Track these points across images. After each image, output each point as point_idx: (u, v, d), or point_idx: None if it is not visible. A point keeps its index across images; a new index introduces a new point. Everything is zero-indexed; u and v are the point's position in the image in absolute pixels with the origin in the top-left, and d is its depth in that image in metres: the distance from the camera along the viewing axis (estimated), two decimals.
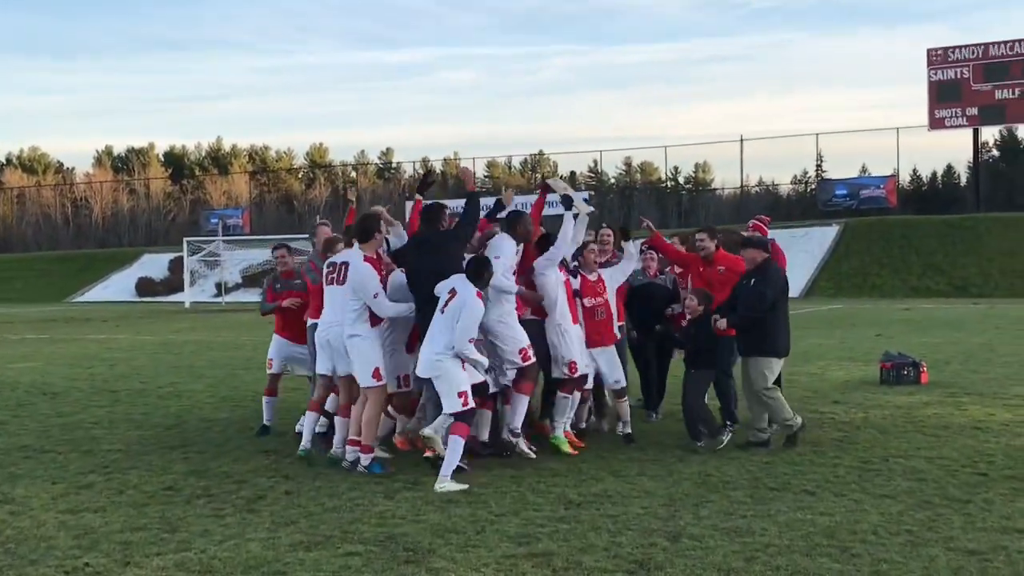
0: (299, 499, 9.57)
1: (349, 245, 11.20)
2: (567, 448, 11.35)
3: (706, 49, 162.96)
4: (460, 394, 10.14)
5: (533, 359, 10.96)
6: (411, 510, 9.06)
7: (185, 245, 61.20)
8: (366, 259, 10.69)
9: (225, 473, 10.76)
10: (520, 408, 11.10)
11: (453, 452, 10.02)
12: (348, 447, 10.83)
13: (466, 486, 9.75)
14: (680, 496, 9.42)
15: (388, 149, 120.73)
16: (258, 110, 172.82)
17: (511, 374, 11.02)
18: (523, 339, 10.92)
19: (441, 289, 10.44)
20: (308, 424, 11.68)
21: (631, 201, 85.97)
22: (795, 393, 16.00)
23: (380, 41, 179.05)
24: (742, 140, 72.75)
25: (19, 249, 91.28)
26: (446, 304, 10.30)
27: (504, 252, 11.02)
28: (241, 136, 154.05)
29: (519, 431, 11.07)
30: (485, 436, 11.27)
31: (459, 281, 10.36)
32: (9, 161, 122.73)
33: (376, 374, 10.59)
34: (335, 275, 10.98)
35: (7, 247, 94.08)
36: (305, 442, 11.55)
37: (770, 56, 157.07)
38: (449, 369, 10.19)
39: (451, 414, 10.17)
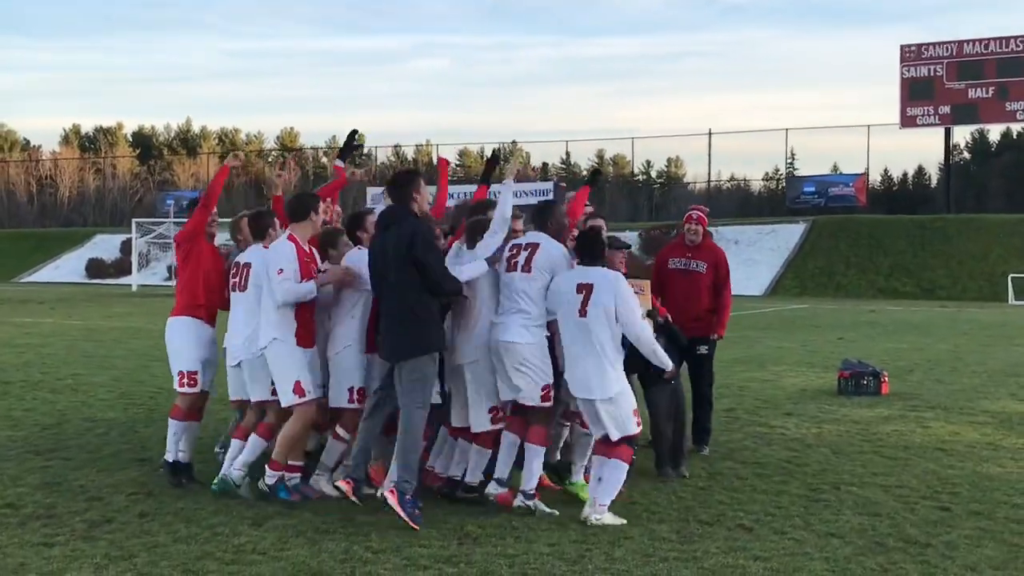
0: (151, 523, 8.21)
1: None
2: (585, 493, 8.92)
3: (679, 44, 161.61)
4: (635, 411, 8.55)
5: (501, 426, 8.93)
6: (276, 542, 7.69)
7: (134, 226, 59.36)
8: (289, 238, 8.90)
9: (81, 488, 9.37)
10: (536, 464, 8.78)
11: (616, 479, 8.45)
12: (269, 470, 9.00)
13: (623, 521, 8.32)
14: (596, 531, 8.09)
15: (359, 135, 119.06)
16: (229, 93, 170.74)
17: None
18: (549, 372, 8.80)
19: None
20: (231, 452, 9.34)
21: (602, 194, 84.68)
22: (745, 403, 14.72)
23: (353, 27, 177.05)
24: (710, 134, 71.36)
25: None
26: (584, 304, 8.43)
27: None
28: (211, 118, 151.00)
29: (532, 492, 8.72)
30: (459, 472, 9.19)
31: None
32: None
33: (298, 388, 8.75)
34: (237, 279, 9.31)
35: None
36: (224, 470, 9.26)
37: (742, 52, 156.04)
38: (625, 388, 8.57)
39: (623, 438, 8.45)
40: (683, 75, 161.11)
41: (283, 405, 8.87)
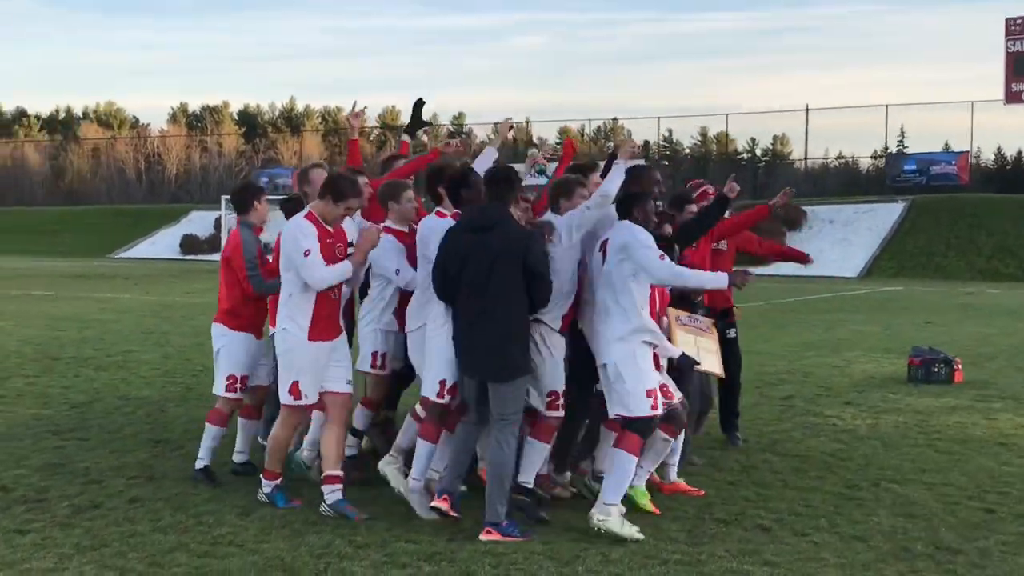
0: (138, 510, 7.91)
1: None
2: (647, 503, 8.19)
3: (783, 19, 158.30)
4: (649, 393, 7.65)
5: (561, 412, 7.98)
6: (257, 534, 7.32)
7: (223, 203, 59.75)
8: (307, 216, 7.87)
9: (84, 470, 9.10)
10: (536, 459, 8.00)
11: (621, 472, 7.52)
12: (264, 479, 8.17)
13: (638, 536, 7.33)
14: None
15: (460, 113, 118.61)
16: (331, 72, 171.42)
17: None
18: (557, 377, 7.93)
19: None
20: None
21: (705, 172, 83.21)
22: (805, 390, 14.02)
23: (455, 6, 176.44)
24: (807, 110, 69.68)
25: (92, 202, 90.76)
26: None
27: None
28: (314, 97, 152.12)
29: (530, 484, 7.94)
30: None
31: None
32: (86, 115, 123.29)
33: (293, 390, 7.87)
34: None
35: (81, 199, 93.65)
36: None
37: (843, 27, 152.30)
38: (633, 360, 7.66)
39: (630, 418, 7.59)
40: (783, 51, 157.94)
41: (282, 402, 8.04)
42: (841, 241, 51.42)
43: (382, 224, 8.40)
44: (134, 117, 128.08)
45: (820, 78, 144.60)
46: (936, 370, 14.86)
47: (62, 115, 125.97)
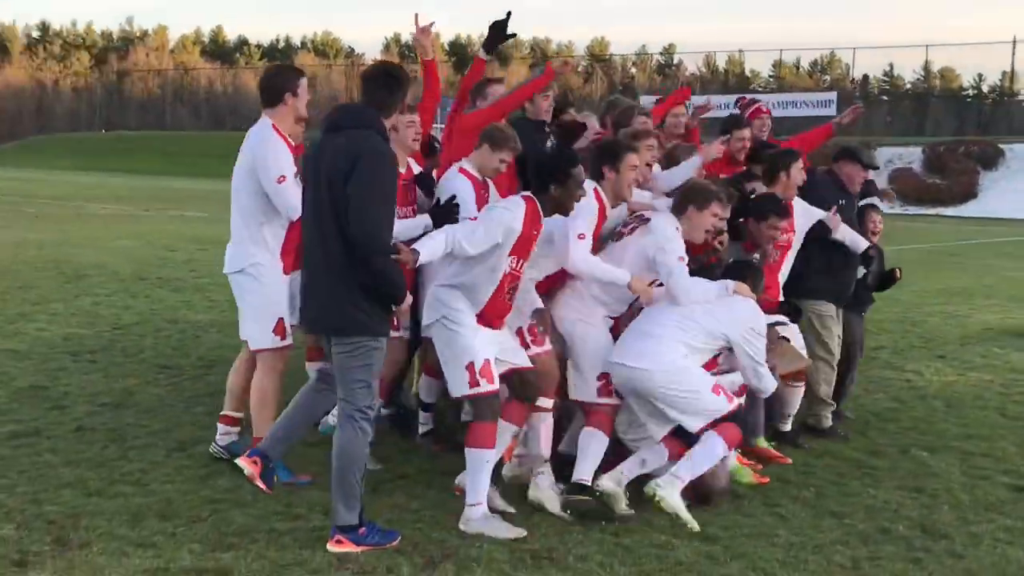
0: (69, 444, 7.48)
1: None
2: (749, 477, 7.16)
3: None
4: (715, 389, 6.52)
5: (614, 400, 6.69)
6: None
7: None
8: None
9: (63, 394, 8.78)
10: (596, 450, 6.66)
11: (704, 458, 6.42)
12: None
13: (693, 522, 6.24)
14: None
15: (671, 45, 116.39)
16: (542, 1, 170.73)
17: None
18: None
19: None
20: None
21: (926, 109, 79.08)
22: (902, 341, 12.81)
23: None
24: (1015, 42, 65.08)
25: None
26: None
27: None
28: (524, 27, 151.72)
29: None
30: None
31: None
32: (303, 44, 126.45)
33: (278, 328, 6.86)
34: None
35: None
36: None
37: None
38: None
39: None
40: None
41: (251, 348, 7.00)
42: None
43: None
44: (349, 47, 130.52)
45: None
46: None
47: (281, 44, 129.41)
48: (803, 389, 8.20)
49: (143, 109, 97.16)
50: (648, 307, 6.64)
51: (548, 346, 6.55)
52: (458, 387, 6.16)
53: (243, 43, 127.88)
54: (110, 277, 15.71)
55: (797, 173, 7.90)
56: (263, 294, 6.83)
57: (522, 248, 6.14)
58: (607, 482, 6.40)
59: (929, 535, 6.25)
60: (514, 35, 7.72)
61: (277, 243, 6.88)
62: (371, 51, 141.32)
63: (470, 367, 6.07)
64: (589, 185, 6.47)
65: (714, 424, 6.36)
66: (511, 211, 6.08)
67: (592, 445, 6.55)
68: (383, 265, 5.49)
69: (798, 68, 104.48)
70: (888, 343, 12.66)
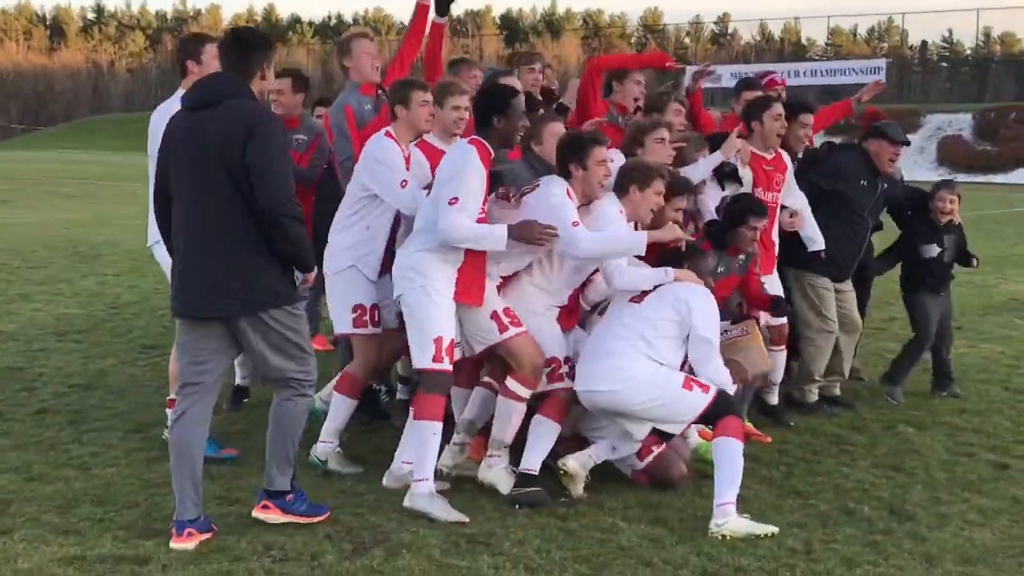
0: (25, 425, 7.37)
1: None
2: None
3: None
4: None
5: (565, 384, 6.32)
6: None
7: None
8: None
9: (38, 375, 8.70)
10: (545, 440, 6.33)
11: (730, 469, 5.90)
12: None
13: (770, 528, 5.72)
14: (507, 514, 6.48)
15: (725, 14, 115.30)
16: None
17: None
18: (557, 343, 6.42)
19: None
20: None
21: (986, 75, 77.41)
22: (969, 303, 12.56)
23: None
24: None
25: None
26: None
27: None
28: (576, 1, 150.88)
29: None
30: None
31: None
32: (355, 21, 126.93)
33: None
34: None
35: None
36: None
37: None
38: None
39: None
40: None
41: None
42: None
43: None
44: (401, 23, 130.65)
45: None
46: None
47: (333, 22, 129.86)
48: (785, 354, 7.90)
49: None
50: (598, 324, 6.43)
51: (524, 327, 6.30)
52: (422, 358, 5.97)
53: (296, 21, 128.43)
54: (123, 256, 15.68)
55: (772, 121, 7.63)
56: None
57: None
58: (572, 462, 6.18)
59: (895, 516, 5.97)
60: None
61: None
62: None
63: (438, 341, 5.91)
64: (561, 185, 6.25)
65: (710, 421, 6.08)
66: (468, 155, 5.90)
67: (541, 434, 6.27)
68: (300, 230, 5.28)
69: (855, 35, 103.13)
70: (901, 313, 12.24)
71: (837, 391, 8.38)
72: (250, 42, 5.50)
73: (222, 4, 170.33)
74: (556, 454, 6.30)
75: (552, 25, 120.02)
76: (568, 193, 6.21)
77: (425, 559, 5.26)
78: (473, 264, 6.02)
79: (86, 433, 7.17)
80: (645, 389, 5.96)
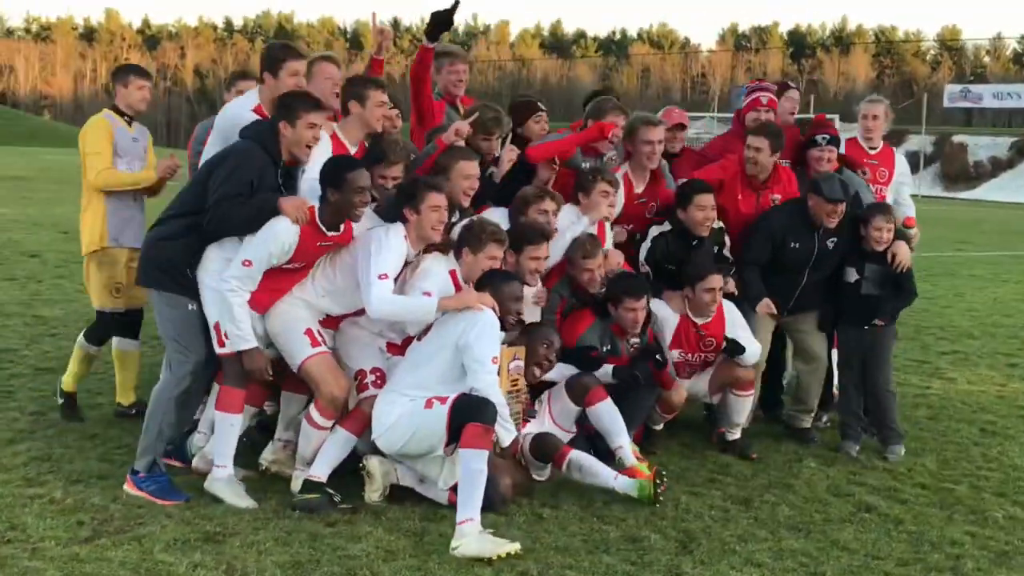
0: None
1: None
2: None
3: None
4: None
5: (371, 392, 6.44)
6: None
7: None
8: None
9: (31, 368, 8.72)
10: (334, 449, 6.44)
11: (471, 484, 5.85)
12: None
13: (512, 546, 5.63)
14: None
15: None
16: None
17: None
18: (364, 356, 6.64)
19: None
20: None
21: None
22: (971, 346, 11.62)
23: None
24: None
25: None
26: None
27: None
28: (869, 15, 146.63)
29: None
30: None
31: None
32: (639, 36, 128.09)
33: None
34: None
35: None
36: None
37: None
38: None
39: None
40: None
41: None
42: None
43: None
44: (685, 37, 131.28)
45: None
46: None
47: (617, 36, 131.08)
48: (752, 399, 7.75)
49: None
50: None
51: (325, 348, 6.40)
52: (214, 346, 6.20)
53: (580, 36, 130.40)
54: None
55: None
56: None
57: (303, 255, 6.14)
58: (375, 463, 6.28)
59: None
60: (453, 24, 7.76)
61: None
62: (707, 42, 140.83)
63: (216, 327, 6.13)
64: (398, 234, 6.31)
65: (455, 432, 5.92)
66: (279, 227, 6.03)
67: (333, 444, 6.35)
68: None
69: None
70: (914, 334, 11.80)
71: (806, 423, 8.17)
72: None
73: (511, 19, 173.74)
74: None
75: (841, 40, 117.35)
76: (405, 240, 6.26)
77: (139, 553, 5.33)
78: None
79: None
80: (400, 429, 6.04)
